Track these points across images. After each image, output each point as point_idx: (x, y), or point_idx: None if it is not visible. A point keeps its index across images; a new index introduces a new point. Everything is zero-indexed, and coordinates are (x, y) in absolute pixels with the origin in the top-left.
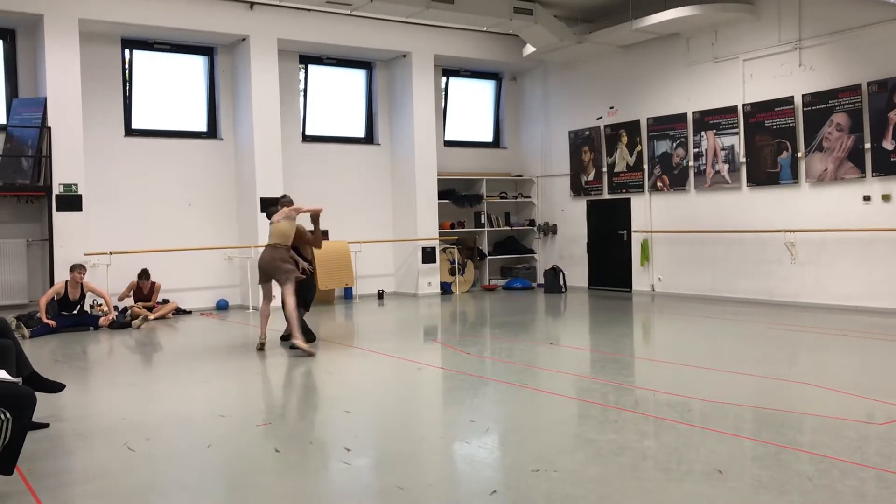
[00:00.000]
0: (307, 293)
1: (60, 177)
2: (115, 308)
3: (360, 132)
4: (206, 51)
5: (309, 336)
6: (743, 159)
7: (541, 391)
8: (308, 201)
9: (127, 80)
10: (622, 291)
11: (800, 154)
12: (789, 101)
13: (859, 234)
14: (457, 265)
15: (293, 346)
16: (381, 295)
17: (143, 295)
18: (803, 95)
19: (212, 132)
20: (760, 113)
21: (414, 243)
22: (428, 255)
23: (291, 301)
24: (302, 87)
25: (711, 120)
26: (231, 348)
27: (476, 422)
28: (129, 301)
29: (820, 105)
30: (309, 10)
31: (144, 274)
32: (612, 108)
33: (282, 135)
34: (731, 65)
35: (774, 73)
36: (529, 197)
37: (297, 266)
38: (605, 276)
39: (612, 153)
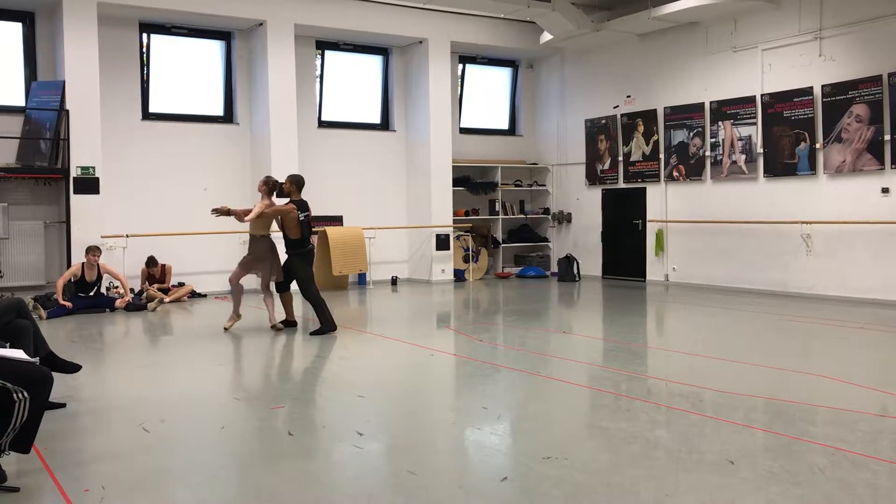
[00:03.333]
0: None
1: (78, 159)
2: (132, 290)
3: (376, 118)
4: (223, 35)
5: (329, 325)
6: (760, 150)
7: (553, 379)
8: (323, 187)
9: (144, 64)
10: (636, 281)
11: (818, 145)
12: (808, 91)
13: (877, 227)
14: (471, 252)
15: (312, 333)
16: (394, 281)
17: (157, 278)
18: (823, 86)
19: (228, 117)
20: (779, 103)
21: (428, 230)
22: (442, 242)
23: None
24: (318, 72)
25: (729, 110)
26: (245, 332)
27: (488, 409)
28: (145, 284)
29: (839, 96)
30: None
31: (151, 261)
32: (628, 96)
33: (297, 120)
34: (750, 54)
35: (794, 62)
36: (544, 185)
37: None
38: (619, 266)
39: (629, 142)
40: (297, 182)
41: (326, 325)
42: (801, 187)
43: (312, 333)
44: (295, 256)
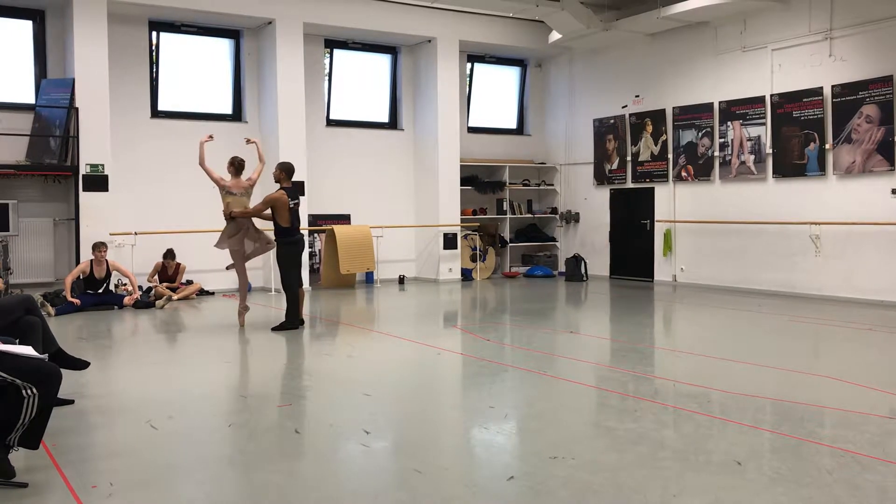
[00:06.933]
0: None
1: (87, 157)
2: (140, 288)
3: (384, 117)
4: (232, 34)
5: (292, 324)
6: (769, 150)
7: (560, 379)
8: (331, 185)
9: (154, 62)
10: (644, 281)
11: (827, 146)
12: (818, 91)
13: (886, 228)
14: (478, 252)
15: (274, 329)
16: (401, 280)
17: (168, 276)
18: (833, 86)
19: (237, 115)
20: (788, 103)
21: (435, 229)
22: (449, 241)
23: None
24: (327, 71)
25: (738, 110)
26: (253, 330)
27: (495, 408)
28: (155, 281)
29: (849, 96)
30: None
31: (170, 254)
32: (637, 96)
33: (306, 118)
34: (760, 54)
35: (804, 63)
36: (552, 185)
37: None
38: (626, 266)
39: (637, 142)
40: (286, 169)
41: (289, 324)
42: (810, 188)
43: (274, 329)
44: (284, 245)
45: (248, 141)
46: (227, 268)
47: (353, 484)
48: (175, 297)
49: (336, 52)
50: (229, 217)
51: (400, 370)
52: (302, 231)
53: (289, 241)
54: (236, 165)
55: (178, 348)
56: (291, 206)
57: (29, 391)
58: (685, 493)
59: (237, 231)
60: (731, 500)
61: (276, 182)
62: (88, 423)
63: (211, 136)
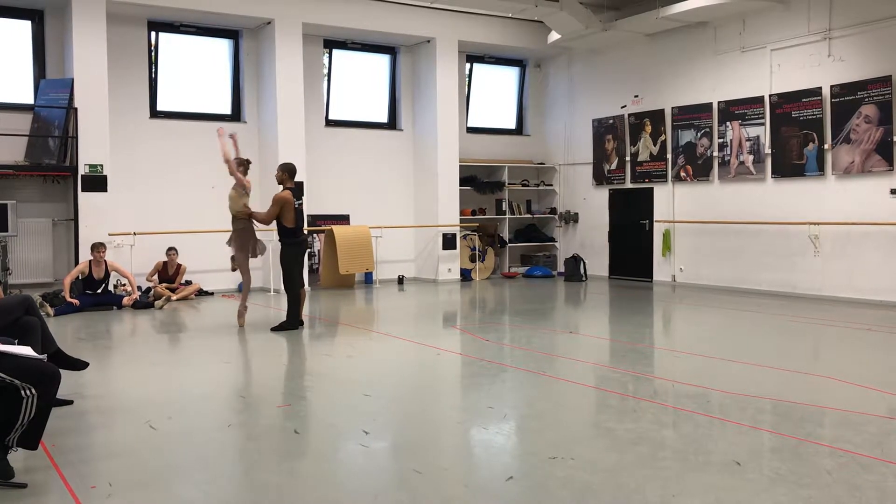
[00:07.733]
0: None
1: (86, 157)
2: (139, 288)
3: (384, 117)
4: (231, 34)
5: (292, 325)
6: (768, 150)
7: (559, 379)
8: (330, 185)
9: (153, 63)
10: (643, 281)
11: (826, 146)
12: (817, 91)
13: (886, 228)
14: (477, 252)
15: (273, 329)
16: (401, 280)
17: (168, 276)
18: (832, 86)
19: (236, 115)
20: (787, 104)
21: (435, 229)
22: (448, 242)
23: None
24: (326, 71)
25: (737, 110)
26: (253, 330)
27: (494, 408)
28: (154, 281)
29: (848, 96)
30: None
31: (173, 249)
32: (636, 96)
33: (305, 119)
34: (759, 54)
35: (803, 63)
36: (551, 185)
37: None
38: (626, 266)
39: (636, 142)
40: (289, 170)
41: (289, 324)
42: (809, 188)
43: (273, 329)
44: (289, 246)
45: (232, 135)
46: (233, 269)
47: (353, 484)
48: (174, 297)
49: (335, 52)
50: (248, 218)
51: (399, 370)
52: (305, 232)
53: (293, 242)
54: (246, 165)
55: (177, 348)
56: (296, 205)
57: (28, 391)
58: (685, 493)
59: (245, 230)
60: (731, 500)
61: (279, 183)
62: (87, 423)
63: (222, 129)
